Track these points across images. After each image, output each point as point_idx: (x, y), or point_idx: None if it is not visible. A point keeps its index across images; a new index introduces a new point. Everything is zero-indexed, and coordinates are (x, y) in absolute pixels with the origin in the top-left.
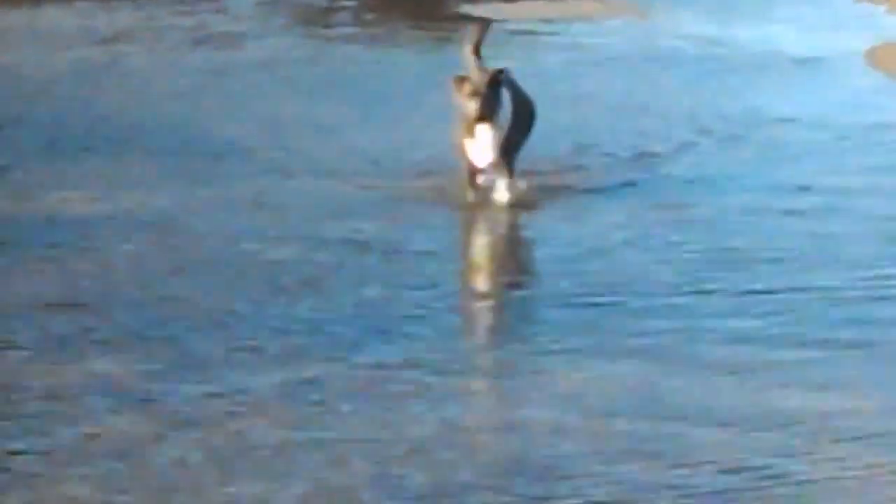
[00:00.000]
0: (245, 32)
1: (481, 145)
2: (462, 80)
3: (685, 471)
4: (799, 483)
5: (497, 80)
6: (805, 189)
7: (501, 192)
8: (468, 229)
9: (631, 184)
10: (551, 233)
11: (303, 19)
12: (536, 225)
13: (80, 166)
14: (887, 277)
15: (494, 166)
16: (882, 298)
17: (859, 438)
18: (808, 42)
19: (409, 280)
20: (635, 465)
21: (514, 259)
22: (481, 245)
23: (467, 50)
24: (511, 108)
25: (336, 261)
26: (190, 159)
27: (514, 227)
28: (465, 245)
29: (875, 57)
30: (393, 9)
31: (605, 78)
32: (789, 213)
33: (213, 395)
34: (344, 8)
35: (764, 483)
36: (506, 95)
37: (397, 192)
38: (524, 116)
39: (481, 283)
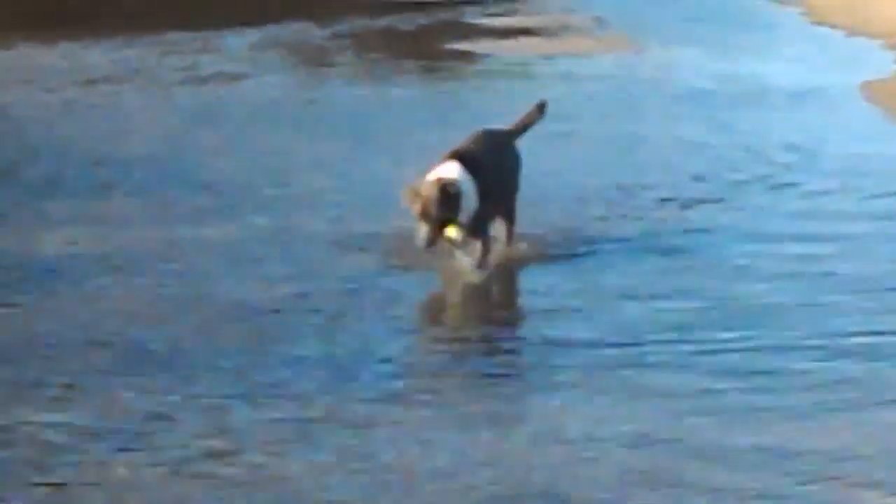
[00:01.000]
0: (239, 72)
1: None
2: (414, 195)
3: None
4: None
5: (448, 195)
6: (804, 232)
7: (469, 263)
8: (459, 273)
9: (632, 228)
10: (545, 282)
11: (298, 58)
12: (530, 274)
13: (71, 205)
14: None
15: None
16: None
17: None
18: (803, 77)
19: (398, 322)
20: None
21: (504, 303)
22: (471, 287)
23: (524, 117)
24: (479, 190)
25: (326, 301)
26: (183, 198)
27: (507, 273)
28: (455, 289)
29: (870, 91)
30: (389, 46)
31: (601, 115)
32: (793, 258)
33: (177, 444)
34: (339, 46)
35: None
36: (468, 190)
37: (392, 229)
38: (500, 188)
39: (469, 326)
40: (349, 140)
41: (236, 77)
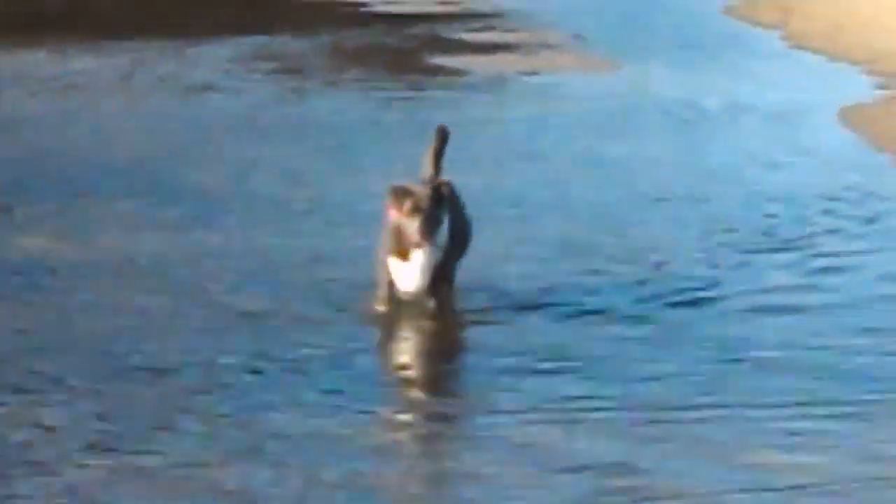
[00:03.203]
0: (218, 83)
1: (414, 269)
2: (403, 193)
3: None
4: None
5: (441, 195)
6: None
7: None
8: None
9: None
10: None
11: (277, 70)
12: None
13: (47, 211)
14: None
15: (425, 294)
16: None
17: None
18: (782, 100)
19: (358, 343)
20: None
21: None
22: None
23: (428, 155)
24: (448, 227)
25: (295, 314)
26: (158, 205)
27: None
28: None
29: (848, 117)
30: (368, 59)
31: (576, 135)
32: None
33: (154, 450)
34: (318, 59)
35: None
36: (446, 212)
37: (366, 242)
38: (460, 237)
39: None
40: (327, 154)
41: (215, 87)
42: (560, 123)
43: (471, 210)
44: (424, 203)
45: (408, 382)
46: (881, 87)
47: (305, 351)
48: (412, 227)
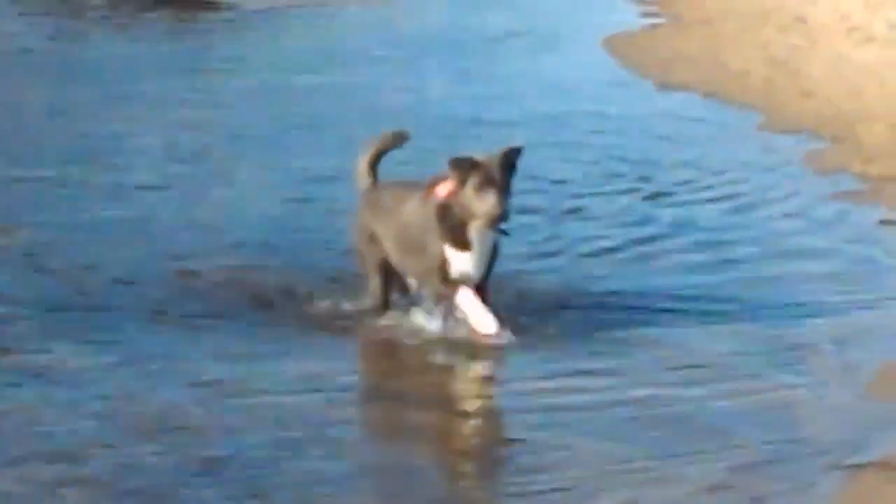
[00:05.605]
0: None
1: (478, 257)
2: (472, 165)
3: None
4: None
5: (513, 162)
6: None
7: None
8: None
9: None
10: None
11: (48, 8)
12: None
13: None
14: None
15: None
16: None
17: None
18: (549, 28)
19: (151, 272)
20: None
21: None
22: None
23: (363, 161)
24: None
25: (71, 249)
26: None
27: None
28: None
29: (610, 44)
30: None
31: (358, 66)
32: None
33: None
34: None
35: None
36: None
37: (142, 179)
38: None
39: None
40: (96, 88)
41: None
42: (340, 56)
43: (262, 147)
44: (496, 173)
45: None
46: (645, 16)
47: None
48: (488, 202)
